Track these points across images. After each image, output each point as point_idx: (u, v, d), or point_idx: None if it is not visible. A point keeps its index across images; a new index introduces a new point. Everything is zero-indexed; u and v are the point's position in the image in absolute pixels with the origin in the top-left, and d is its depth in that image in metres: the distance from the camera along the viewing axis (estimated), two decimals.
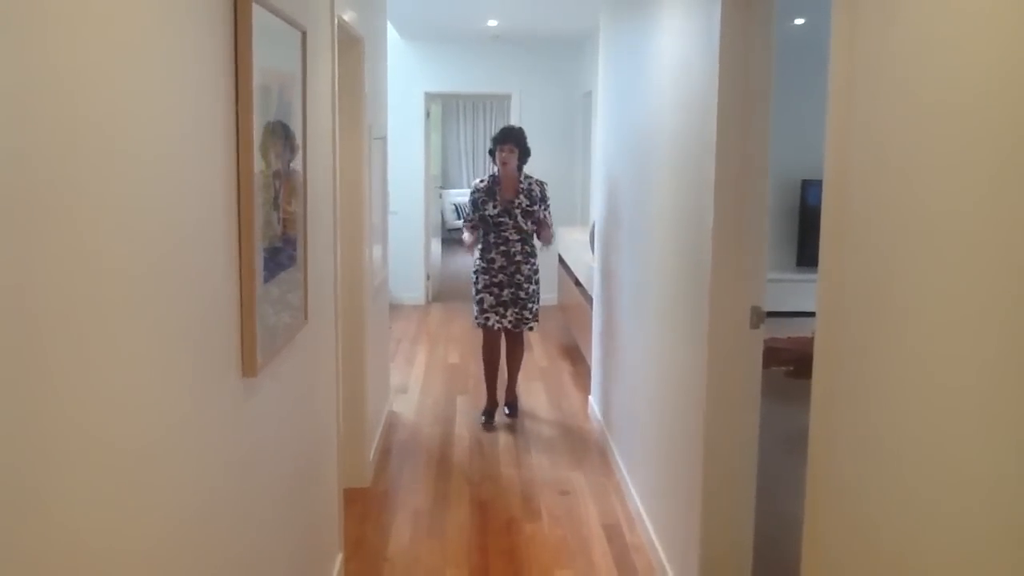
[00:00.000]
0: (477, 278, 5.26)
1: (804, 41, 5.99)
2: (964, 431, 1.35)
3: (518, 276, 5.19)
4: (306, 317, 2.53)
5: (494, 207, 5.13)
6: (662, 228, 3.55)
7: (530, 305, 5.25)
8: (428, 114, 9.16)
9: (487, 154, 5.50)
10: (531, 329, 5.35)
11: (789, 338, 5.10)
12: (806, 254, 7.27)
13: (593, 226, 5.86)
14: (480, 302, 5.25)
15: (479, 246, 5.29)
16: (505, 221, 5.13)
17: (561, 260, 7.63)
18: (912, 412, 1.49)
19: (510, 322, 5.24)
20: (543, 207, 5.23)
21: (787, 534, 2.80)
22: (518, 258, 5.18)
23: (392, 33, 7.40)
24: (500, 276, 5.19)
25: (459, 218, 12.57)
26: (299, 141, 2.40)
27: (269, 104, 2.03)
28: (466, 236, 5.29)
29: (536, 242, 5.30)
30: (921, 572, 1.47)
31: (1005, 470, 1.25)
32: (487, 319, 5.26)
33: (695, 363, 2.95)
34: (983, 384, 1.30)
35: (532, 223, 5.18)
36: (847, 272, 1.75)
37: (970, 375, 1.33)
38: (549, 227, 5.26)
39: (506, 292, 5.19)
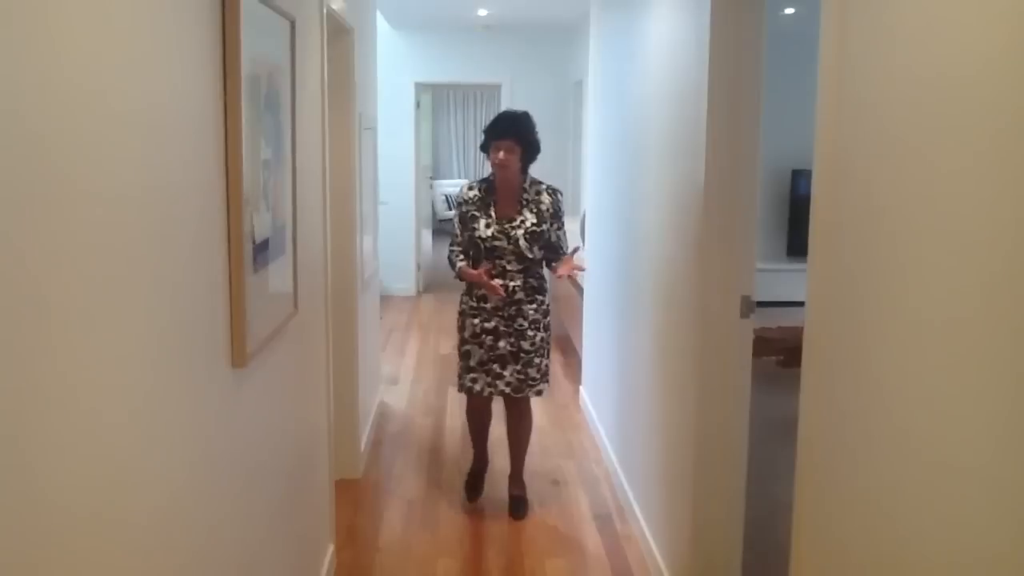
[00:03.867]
0: (463, 324, 3.79)
1: (795, 31, 5.99)
2: (954, 418, 1.35)
3: (520, 321, 3.70)
4: (296, 307, 2.52)
5: (487, 226, 3.67)
6: (652, 218, 3.55)
7: (537, 360, 3.74)
8: (418, 104, 9.14)
9: (479, 150, 4.06)
10: (539, 393, 3.82)
11: (780, 327, 5.12)
12: (796, 244, 7.30)
13: (584, 215, 5.85)
14: (465, 357, 3.78)
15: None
16: (502, 246, 3.66)
17: None
18: (901, 400, 1.50)
19: (509, 385, 3.75)
20: (556, 226, 3.75)
21: (777, 520, 2.82)
22: (519, 295, 3.70)
23: (382, 23, 7.37)
24: (494, 321, 3.71)
25: (450, 208, 12.49)
26: (288, 130, 2.39)
27: (258, 93, 2.01)
28: (463, 268, 3.71)
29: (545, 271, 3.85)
30: (910, 553, 1.48)
31: (997, 453, 1.25)
32: (473, 382, 3.77)
33: (686, 352, 2.96)
34: (974, 371, 1.30)
35: (540, 248, 3.71)
36: (837, 261, 1.75)
37: (961, 362, 1.34)
38: (565, 252, 3.77)
39: (503, 344, 3.72)
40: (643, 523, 3.60)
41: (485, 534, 3.71)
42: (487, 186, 3.77)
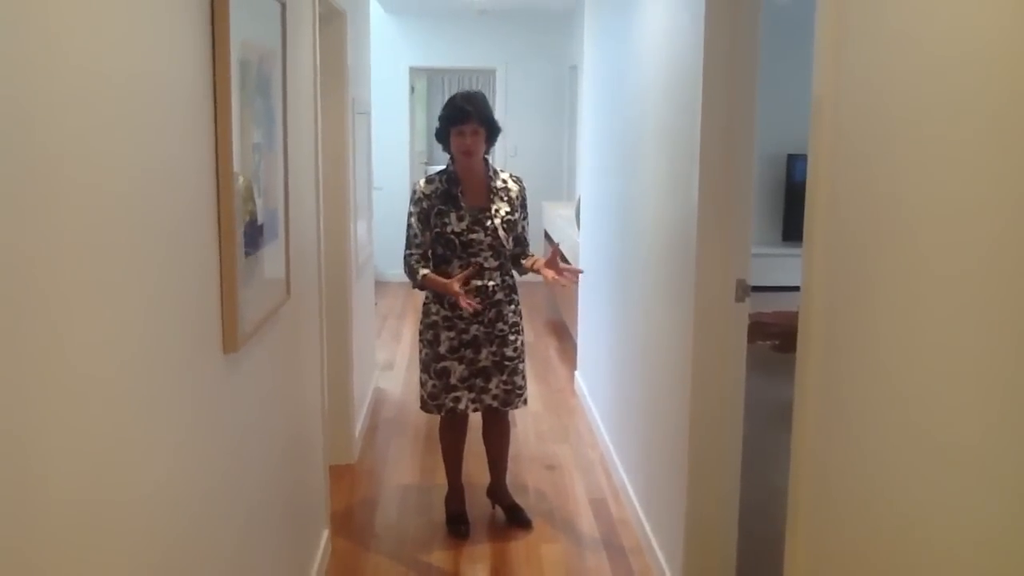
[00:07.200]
0: (436, 337, 3.41)
1: (791, 13, 5.96)
2: (952, 401, 1.34)
3: (500, 326, 3.42)
4: (289, 292, 2.51)
5: (459, 219, 3.32)
6: (648, 202, 3.54)
7: (521, 367, 3.51)
8: (413, 89, 9.10)
9: (434, 139, 3.58)
10: (525, 402, 3.59)
11: (775, 312, 5.11)
12: (792, 229, 7.29)
13: (579, 201, 5.84)
14: (442, 375, 3.41)
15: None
16: (478, 239, 3.33)
17: (547, 235, 7.62)
18: (898, 384, 1.49)
19: (496, 398, 3.47)
20: (523, 215, 3.48)
21: (773, 504, 2.82)
22: (498, 296, 3.41)
23: (375, 7, 7.33)
24: (474, 330, 3.40)
25: None
26: (280, 115, 2.37)
27: (248, 77, 1.99)
28: (428, 276, 3.31)
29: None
30: (906, 537, 1.47)
31: (999, 437, 1.25)
32: (456, 400, 3.44)
33: (681, 337, 2.95)
34: (974, 355, 1.29)
35: (513, 241, 3.45)
36: (833, 245, 1.74)
37: (960, 345, 1.33)
38: (529, 245, 3.55)
39: (484, 355, 3.41)
40: (638, 507, 3.60)
41: (480, 519, 3.71)
42: (448, 177, 3.39)
